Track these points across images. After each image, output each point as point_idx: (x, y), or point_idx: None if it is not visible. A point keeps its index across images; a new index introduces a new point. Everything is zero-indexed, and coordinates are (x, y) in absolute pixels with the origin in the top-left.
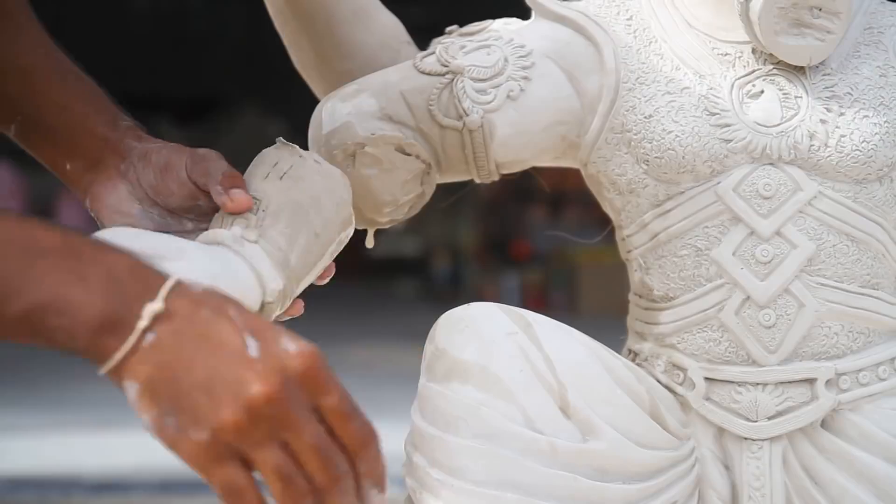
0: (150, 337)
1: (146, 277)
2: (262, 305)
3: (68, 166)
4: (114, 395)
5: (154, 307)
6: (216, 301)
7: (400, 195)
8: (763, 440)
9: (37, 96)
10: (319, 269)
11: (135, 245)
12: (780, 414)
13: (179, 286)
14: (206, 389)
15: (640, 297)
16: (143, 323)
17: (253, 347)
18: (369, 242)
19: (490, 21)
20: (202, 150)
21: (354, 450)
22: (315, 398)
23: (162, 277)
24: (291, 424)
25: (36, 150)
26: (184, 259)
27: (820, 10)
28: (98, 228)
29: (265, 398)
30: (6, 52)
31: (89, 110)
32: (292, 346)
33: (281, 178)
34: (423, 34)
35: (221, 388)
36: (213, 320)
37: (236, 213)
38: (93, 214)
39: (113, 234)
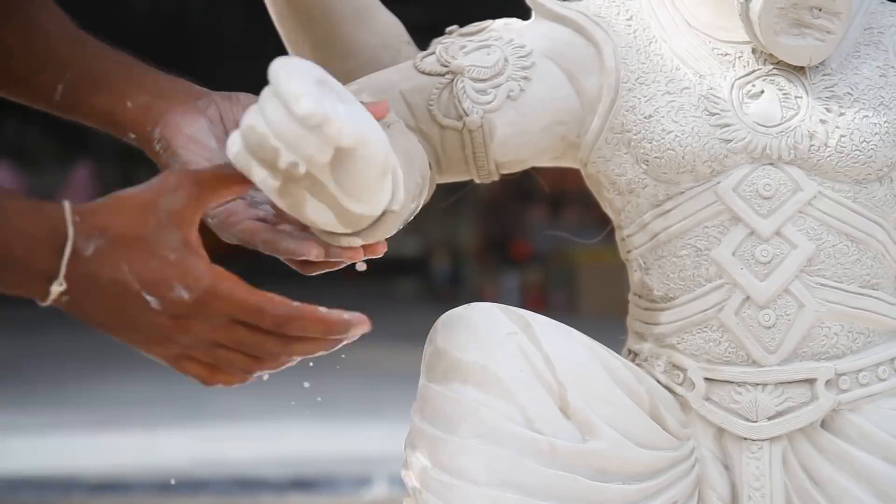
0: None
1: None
2: (384, 213)
3: (129, 104)
4: (114, 395)
5: (57, 289)
6: (113, 260)
7: None
8: (763, 440)
9: (90, 55)
10: (410, 215)
11: (323, 78)
12: (779, 414)
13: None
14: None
15: (640, 297)
16: (52, 297)
17: (153, 301)
18: None
19: (490, 21)
20: None
21: (281, 331)
22: (228, 315)
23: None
24: (204, 337)
25: (85, 106)
26: (360, 107)
27: (820, 10)
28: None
29: (177, 331)
30: (55, 24)
31: (148, 66)
32: (185, 294)
33: (387, 128)
34: (423, 34)
35: (143, 335)
36: (112, 285)
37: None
38: (157, 147)
39: (300, 63)
